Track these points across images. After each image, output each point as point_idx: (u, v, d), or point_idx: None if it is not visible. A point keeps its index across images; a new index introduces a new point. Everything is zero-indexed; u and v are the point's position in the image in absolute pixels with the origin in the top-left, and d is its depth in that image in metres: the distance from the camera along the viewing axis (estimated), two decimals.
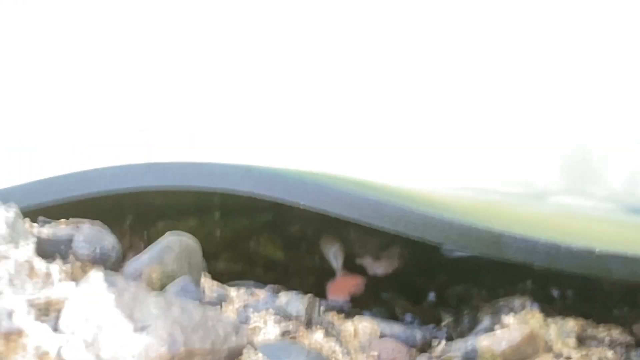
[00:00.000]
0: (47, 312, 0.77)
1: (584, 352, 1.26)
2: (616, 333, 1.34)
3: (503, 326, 1.26)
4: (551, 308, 1.40)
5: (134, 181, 1.35)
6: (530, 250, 1.36)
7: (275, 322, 0.90)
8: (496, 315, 1.35)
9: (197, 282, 0.90)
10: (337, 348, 0.89)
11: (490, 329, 1.26)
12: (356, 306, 1.35)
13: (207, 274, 1.13)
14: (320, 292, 1.24)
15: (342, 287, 1.48)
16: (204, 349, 0.70)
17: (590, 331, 1.34)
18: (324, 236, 1.72)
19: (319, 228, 1.59)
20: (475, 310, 1.37)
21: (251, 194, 1.38)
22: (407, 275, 1.59)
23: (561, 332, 1.31)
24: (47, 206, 1.29)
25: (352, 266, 1.70)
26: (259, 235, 1.49)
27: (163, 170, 1.38)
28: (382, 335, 1.11)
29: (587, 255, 1.34)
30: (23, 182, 1.44)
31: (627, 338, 1.34)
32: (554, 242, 1.34)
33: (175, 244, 0.88)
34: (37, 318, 0.77)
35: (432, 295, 1.48)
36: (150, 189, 1.39)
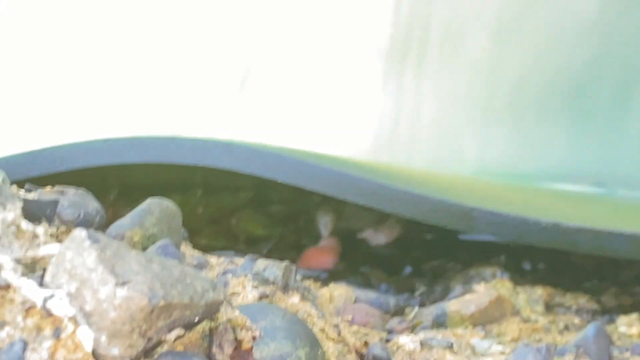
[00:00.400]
0: (34, 269, 0.78)
1: (551, 318, 1.31)
2: (583, 301, 1.41)
3: (473, 293, 1.25)
4: (521, 278, 1.48)
5: (117, 156, 1.37)
6: (499, 224, 1.41)
7: (253, 286, 0.93)
8: (468, 284, 1.41)
9: (177, 245, 0.90)
10: (313, 311, 0.92)
11: (461, 296, 1.31)
12: (334, 275, 1.38)
13: (188, 243, 1.15)
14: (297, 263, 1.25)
15: (320, 253, 1.52)
16: (182, 303, 0.72)
17: (558, 299, 1.40)
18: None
19: (299, 204, 1.59)
20: (448, 280, 1.39)
21: (232, 169, 1.41)
22: (386, 251, 1.62)
23: (530, 299, 1.35)
24: (33, 177, 1.29)
25: (353, 241, 1.78)
26: (240, 212, 1.51)
27: (146, 145, 1.39)
28: (356, 301, 1.14)
29: (554, 229, 1.40)
30: (10, 154, 1.46)
31: (594, 306, 1.42)
32: (522, 217, 1.41)
33: (155, 208, 0.91)
34: (24, 274, 0.77)
35: (408, 269, 1.51)
36: (132, 164, 1.40)
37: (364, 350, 0.93)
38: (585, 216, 1.52)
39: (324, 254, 1.55)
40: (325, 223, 1.64)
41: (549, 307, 1.29)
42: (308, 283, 1.18)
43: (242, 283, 0.95)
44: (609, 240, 1.44)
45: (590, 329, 0.96)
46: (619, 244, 1.44)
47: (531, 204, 1.67)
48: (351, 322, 1.04)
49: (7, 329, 0.75)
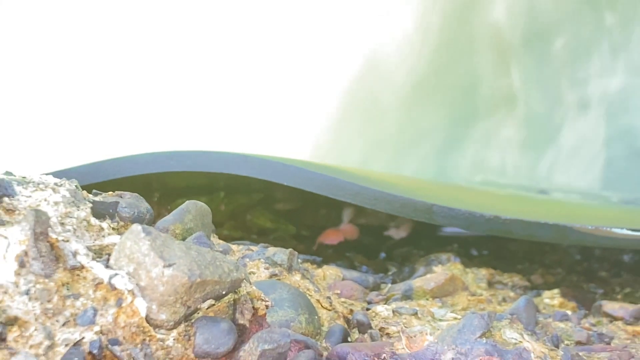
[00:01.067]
0: (101, 254, 0.76)
1: (492, 292, 1.28)
2: (517, 279, 1.36)
3: (433, 273, 1.23)
4: (469, 261, 1.44)
5: (160, 166, 1.33)
6: (453, 217, 1.41)
7: (265, 268, 0.93)
8: (428, 266, 1.38)
9: (208, 236, 0.89)
10: (311, 286, 0.91)
11: (424, 275, 1.26)
12: (325, 259, 1.35)
13: (215, 235, 1.15)
14: (298, 250, 1.20)
15: (336, 233, 1.53)
16: (213, 280, 0.72)
17: (498, 278, 1.36)
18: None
19: (298, 204, 1.57)
20: (413, 263, 1.38)
21: (247, 175, 1.38)
22: (367, 240, 1.60)
23: (476, 278, 1.32)
24: (97, 183, 1.27)
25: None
26: (253, 209, 1.49)
27: (182, 157, 1.36)
28: (344, 279, 1.12)
29: (495, 220, 1.39)
30: (78, 165, 1.40)
31: (525, 283, 1.38)
32: (470, 211, 1.41)
33: (192, 208, 0.90)
34: (94, 258, 0.75)
35: (382, 254, 1.49)
36: (171, 172, 1.35)
37: (350, 316, 0.92)
38: (521, 211, 1.49)
39: (337, 234, 1.55)
40: (346, 213, 1.63)
41: (490, 284, 1.28)
42: (307, 265, 1.17)
43: (256, 265, 0.95)
44: (536, 228, 1.43)
45: (521, 300, 0.95)
46: (544, 231, 1.43)
47: (479, 202, 1.63)
48: (339, 295, 1.03)
49: (81, 299, 0.74)
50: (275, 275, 0.92)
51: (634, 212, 1.85)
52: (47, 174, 0.90)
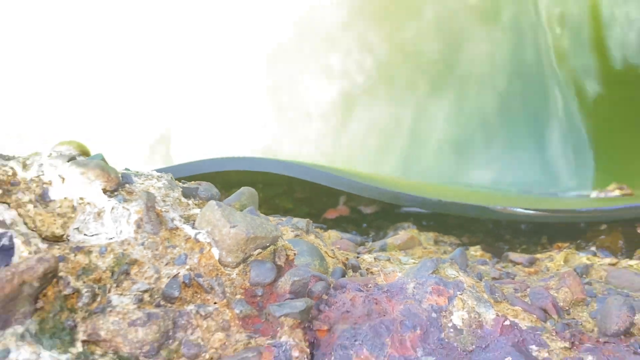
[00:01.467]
0: (188, 220, 0.73)
1: (437, 247, 1.22)
2: (453, 239, 1.31)
3: (399, 235, 1.18)
4: (422, 228, 1.38)
5: (223, 166, 1.30)
6: (411, 201, 1.35)
7: (291, 231, 0.90)
8: (396, 230, 1.32)
9: (256, 210, 0.86)
10: (321, 243, 0.88)
11: (393, 236, 1.19)
12: (329, 227, 1.29)
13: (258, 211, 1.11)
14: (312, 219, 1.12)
15: (335, 212, 1.45)
16: (261, 236, 0.69)
17: (440, 238, 1.30)
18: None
19: (310, 193, 1.51)
20: (386, 229, 1.34)
21: (276, 173, 1.33)
22: (355, 216, 1.53)
23: (426, 238, 1.27)
24: (184, 177, 1.15)
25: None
26: (279, 197, 1.46)
27: (238, 161, 1.32)
28: (341, 239, 1.09)
29: (438, 203, 1.34)
30: (173, 165, 1.41)
31: (458, 242, 1.32)
32: (422, 197, 1.35)
33: (246, 191, 0.89)
34: (184, 223, 0.72)
35: (364, 224, 1.44)
36: (230, 170, 1.32)
37: (346, 262, 0.89)
38: (455, 197, 1.47)
39: (335, 212, 1.48)
40: (341, 199, 1.54)
41: (436, 242, 1.26)
42: (319, 230, 1.14)
43: (285, 229, 0.91)
44: (464, 208, 1.39)
45: (457, 251, 0.92)
46: (469, 210, 1.38)
47: (429, 191, 1.60)
48: (339, 249, 0.99)
49: (177, 248, 0.69)
50: (298, 235, 0.89)
51: (528, 198, 1.80)
52: (152, 170, 0.88)
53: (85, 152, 1.27)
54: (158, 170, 0.89)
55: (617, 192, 1.51)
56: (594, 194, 1.62)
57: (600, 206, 1.42)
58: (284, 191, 1.44)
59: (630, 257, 1.02)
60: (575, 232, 1.33)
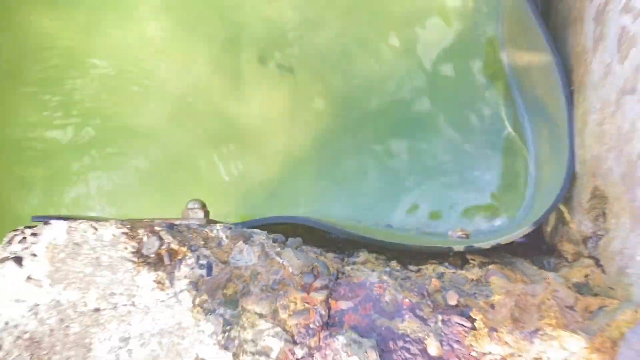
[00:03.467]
0: (278, 254, 1.38)
1: (377, 262, 1.65)
2: (383, 257, 1.70)
3: (361, 256, 1.64)
4: (370, 251, 1.75)
5: (278, 220, 1.63)
6: (365, 238, 1.65)
7: (312, 253, 1.64)
8: (357, 253, 1.71)
9: (302, 247, 1.61)
10: (325, 259, 1.61)
11: (356, 256, 1.67)
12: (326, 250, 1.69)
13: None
14: (306, 241, 1.63)
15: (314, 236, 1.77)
16: (307, 263, 1.44)
17: (379, 256, 1.70)
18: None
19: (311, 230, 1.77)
20: (353, 252, 1.76)
21: (301, 223, 1.65)
22: (329, 243, 1.88)
23: (372, 256, 1.67)
24: (257, 225, 1.58)
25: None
26: (300, 231, 1.81)
27: (286, 217, 1.69)
28: (333, 257, 1.66)
29: (375, 240, 1.64)
30: (252, 219, 1.65)
31: (385, 258, 1.71)
32: (370, 236, 1.66)
33: (297, 239, 1.53)
34: (276, 256, 1.32)
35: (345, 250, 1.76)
36: (279, 223, 1.65)
37: (337, 270, 1.43)
38: (377, 234, 1.74)
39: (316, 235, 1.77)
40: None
41: (377, 259, 1.68)
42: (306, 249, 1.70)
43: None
44: (389, 244, 1.66)
45: (386, 268, 1.49)
46: (389, 244, 1.66)
47: (374, 233, 1.82)
48: (334, 263, 1.52)
49: (274, 267, 1.35)
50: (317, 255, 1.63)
51: (418, 236, 2.05)
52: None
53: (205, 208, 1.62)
54: (234, 224, 1.46)
55: (459, 233, 1.89)
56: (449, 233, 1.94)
57: (438, 242, 1.78)
58: (304, 230, 1.79)
59: (462, 268, 1.66)
60: (439, 255, 1.78)
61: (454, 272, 1.64)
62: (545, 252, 1.92)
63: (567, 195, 1.75)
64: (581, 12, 1.64)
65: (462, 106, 2.10)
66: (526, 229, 1.75)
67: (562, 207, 1.81)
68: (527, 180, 2.09)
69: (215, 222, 1.58)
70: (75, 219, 1.39)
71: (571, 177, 1.71)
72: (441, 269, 1.65)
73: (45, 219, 1.40)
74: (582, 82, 1.62)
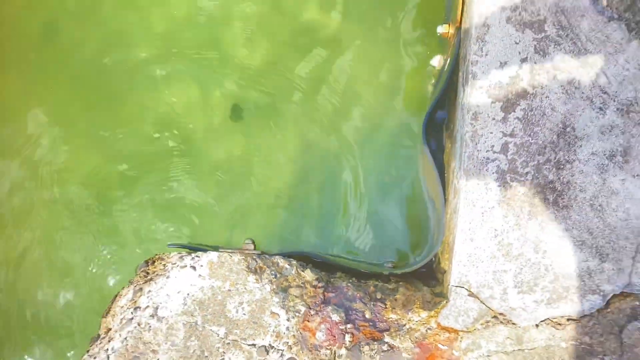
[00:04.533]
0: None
1: (352, 280, 2.30)
2: (352, 279, 2.35)
3: (337, 274, 2.28)
4: (344, 272, 2.41)
5: (296, 253, 2.25)
6: (322, 258, 2.13)
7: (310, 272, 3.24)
8: (335, 272, 2.33)
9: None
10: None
11: (335, 274, 2.33)
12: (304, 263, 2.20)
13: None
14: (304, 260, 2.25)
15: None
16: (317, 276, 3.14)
17: (332, 277, 2.31)
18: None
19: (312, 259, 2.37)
20: (334, 272, 2.32)
21: (313, 257, 2.29)
22: (321, 265, 2.43)
23: (345, 276, 2.44)
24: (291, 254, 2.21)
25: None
26: (311, 261, 2.41)
27: (302, 251, 2.22)
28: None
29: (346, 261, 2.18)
30: (291, 250, 2.16)
31: (355, 280, 2.35)
32: (340, 263, 2.17)
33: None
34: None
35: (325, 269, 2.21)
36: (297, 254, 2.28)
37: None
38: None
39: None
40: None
41: (346, 275, 2.24)
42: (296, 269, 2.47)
43: (307, 272, 2.92)
44: (347, 267, 2.16)
45: (350, 280, 2.69)
46: (349, 268, 2.15)
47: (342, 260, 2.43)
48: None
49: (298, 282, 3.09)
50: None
51: (366, 264, 2.60)
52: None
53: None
54: (277, 254, 2.20)
55: (390, 264, 2.49)
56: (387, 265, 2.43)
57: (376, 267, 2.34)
58: (309, 259, 2.46)
59: (387, 282, 2.37)
60: (376, 274, 2.33)
61: (382, 284, 2.45)
62: (430, 276, 2.64)
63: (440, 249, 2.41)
64: (449, 175, 2.30)
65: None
66: (421, 264, 2.56)
67: (437, 254, 2.55)
68: (428, 239, 2.69)
69: (264, 252, 2.67)
70: (195, 248, 2.15)
71: (440, 242, 2.39)
72: (376, 282, 2.47)
73: (179, 246, 2.43)
74: (449, 200, 2.25)
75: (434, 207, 2.59)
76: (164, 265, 2.37)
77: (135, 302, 2.24)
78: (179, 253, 2.43)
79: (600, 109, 1.85)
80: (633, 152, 1.84)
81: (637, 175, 1.81)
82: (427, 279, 2.71)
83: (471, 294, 2.03)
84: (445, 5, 2.59)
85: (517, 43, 1.87)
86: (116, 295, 2.39)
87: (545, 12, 1.90)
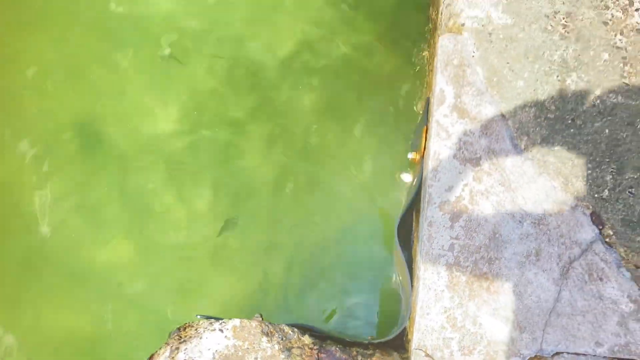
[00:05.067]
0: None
1: (336, 345, 2.40)
2: (339, 345, 2.44)
3: (328, 341, 2.32)
4: (334, 340, 2.45)
5: (298, 325, 2.29)
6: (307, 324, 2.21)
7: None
8: (327, 339, 2.40)
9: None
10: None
11: (327, 341, 2.45)
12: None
13: None
14: (306, 331, 2.27)
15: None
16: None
17: (337, 344, 2.42)
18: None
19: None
20: (325, 338, 2.44)
21: (312, 329, 2.36)
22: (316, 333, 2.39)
23: (334, 342, 2.47)
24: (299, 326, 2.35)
25: None
26: (308, 330, 2.37)
27: (306, 325, 2.30)
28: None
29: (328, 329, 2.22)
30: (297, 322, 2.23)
31: (342, 346, 2.49)
32: (330, 334, 2.29)
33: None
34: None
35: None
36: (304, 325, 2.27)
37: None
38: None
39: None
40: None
41: (335, 342, 2.39)
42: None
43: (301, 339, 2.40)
44: (336, 337, 2.25)
45: (338, 346, 2.39)
46: (338, 338, 2.22)
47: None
48: None
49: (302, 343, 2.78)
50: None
51: (351, 336, 2.81)
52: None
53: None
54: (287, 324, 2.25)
55: (369, 338, 2.63)
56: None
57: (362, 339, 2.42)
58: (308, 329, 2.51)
59: (366, 349, 2.38)
60: (358, 343, 2.45)
61: (362, 350, 2.53)
62: (401, 346, 2.75)
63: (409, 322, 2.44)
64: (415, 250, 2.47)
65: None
66: (393, 336, 2.65)
67: (406, 328, 2.58)
68: (400, 316, 2.91)
69: (272, 323, 2.71)
70: (218, 318, 2.35)
71: (408, 318, 2.53)
72: (358, 348, 2.54)
73: (206, 317, 2.51)
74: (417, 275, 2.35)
75: (404, 291, 2.86)
76: (196, 329, 2.65)
77: (173, 358, 2.52)
78: (208, 320, 2.59)
79: (520, 221, 2.14)
80: (543, 253, 2.16)
81: (545, 270, 2.12)
82: (398, 347, 2.90)
83: (427, 355, 2.25)
84: (414, 134, 2.92)
85: (460, 173, 2.19)
86: (152, 355, 2.54)
87: (480, 152, 2.21)
